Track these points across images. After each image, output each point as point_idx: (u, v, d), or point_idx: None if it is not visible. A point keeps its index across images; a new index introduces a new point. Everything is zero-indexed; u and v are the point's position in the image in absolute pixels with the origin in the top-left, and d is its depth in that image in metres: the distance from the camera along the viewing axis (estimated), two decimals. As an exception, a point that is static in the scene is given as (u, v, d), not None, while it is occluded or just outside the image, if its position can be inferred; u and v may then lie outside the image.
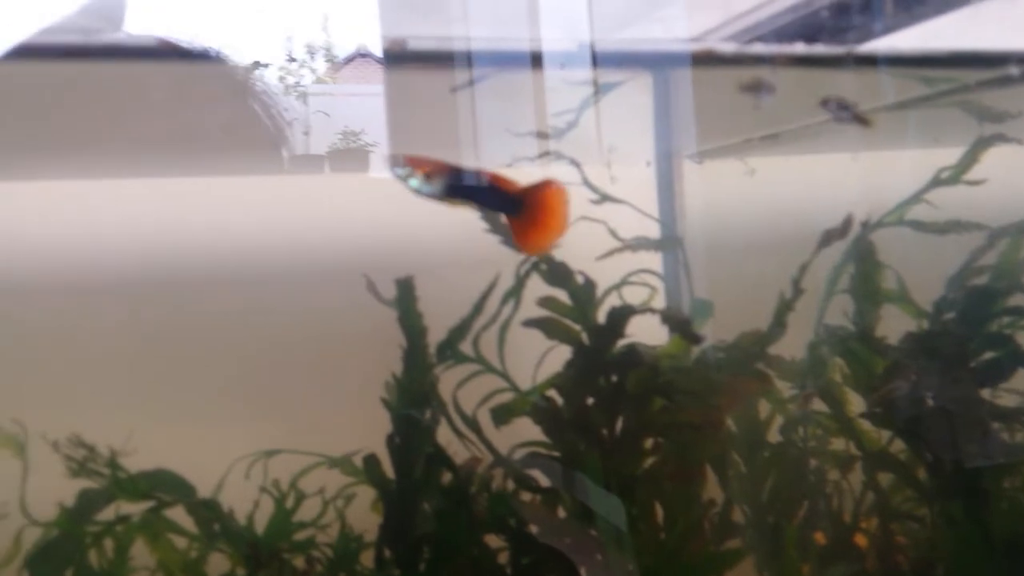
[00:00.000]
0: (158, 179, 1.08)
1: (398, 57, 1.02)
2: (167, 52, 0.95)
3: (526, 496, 1.01)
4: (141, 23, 0.98)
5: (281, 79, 1.05)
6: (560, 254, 1.02)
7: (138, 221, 1.10)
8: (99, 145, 0.99)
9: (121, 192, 1.08)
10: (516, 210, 0.95)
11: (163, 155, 1.02)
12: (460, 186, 0.94)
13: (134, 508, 0.98)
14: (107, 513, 0.97)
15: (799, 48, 1.06)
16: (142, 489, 0.97)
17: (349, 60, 1.16)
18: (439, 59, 1.05)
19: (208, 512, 0.98)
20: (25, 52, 0.90)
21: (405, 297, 1.01)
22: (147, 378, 1.11)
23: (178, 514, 0.99)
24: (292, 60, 1.06)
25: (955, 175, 1.05)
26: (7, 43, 0.88)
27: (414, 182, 0.92)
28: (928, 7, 1.07)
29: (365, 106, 1.12)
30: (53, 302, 1.08)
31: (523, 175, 0.95)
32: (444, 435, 1.01)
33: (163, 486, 0.97)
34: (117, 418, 1.00)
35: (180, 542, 0.99)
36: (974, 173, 1.04)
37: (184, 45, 0.97)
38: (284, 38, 1.07)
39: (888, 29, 1.08)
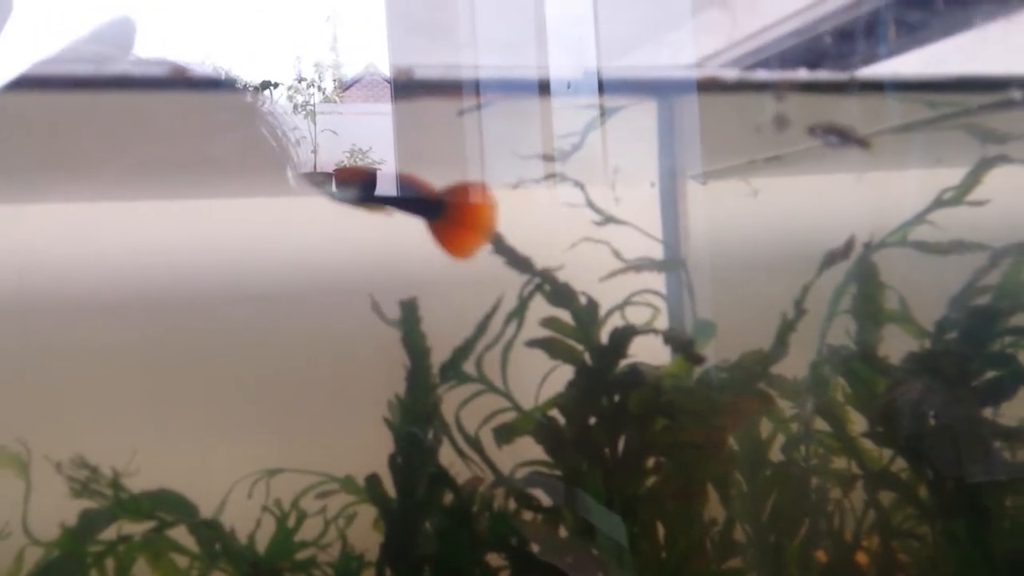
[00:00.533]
0: (164, 201, 1.08)
1: (406, 86, 1.02)
2: (176, 79, 0.95)
3: (527, 515, 1.01)
4: (150, 46, 0.98)
5: (290, 98, 1.06)
6: (564, 274, 1.02)
7: (144, 242, 1.10)
8: (107, 168, 0.99)
9: (129, 214, 1.08)
10: (436, 214, 0.92)
11: (171, 178, 1.02)
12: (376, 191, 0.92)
13: (136, 528, 0.98)
14: (109, 533, 0.97)
15: (802, 74, 1.06)
16: (144, 509, 0.97)
17: (357, 79, 1.16)
18: (446, 86, 1.05)
19: (210, 532, 0.98)
20: (39, 82, 0.90)
21: (409, 318, 1.01)
22: (151, 397, 1.10)
23: (180, 534, 0.99)
24: (301, 80, 1.06)
25: (958, 195, 1.05)
26: (20, 70, 0.88)
27: (330, 188, 0.90)
28: (931, 31, 1.07)
29: (373, 124, 1.12)
30: (60, 321, 1.07)
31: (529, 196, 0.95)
32: (446, 455, 1.01)
33: (165, 506, 0.98)
34: (121, 437, 1.00)
35: (182, 562, 0.99)
36: (978, 194, 1.04)
37: (193, 67, 0.97)
38: (294, 57, 1.07)
39: (891, 53, 1.09)
